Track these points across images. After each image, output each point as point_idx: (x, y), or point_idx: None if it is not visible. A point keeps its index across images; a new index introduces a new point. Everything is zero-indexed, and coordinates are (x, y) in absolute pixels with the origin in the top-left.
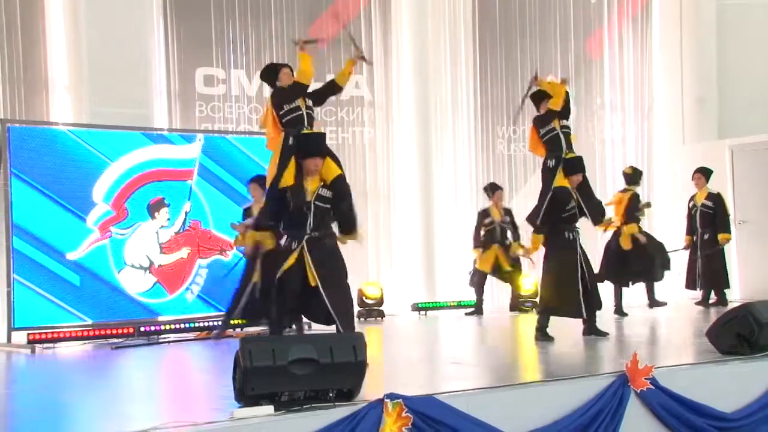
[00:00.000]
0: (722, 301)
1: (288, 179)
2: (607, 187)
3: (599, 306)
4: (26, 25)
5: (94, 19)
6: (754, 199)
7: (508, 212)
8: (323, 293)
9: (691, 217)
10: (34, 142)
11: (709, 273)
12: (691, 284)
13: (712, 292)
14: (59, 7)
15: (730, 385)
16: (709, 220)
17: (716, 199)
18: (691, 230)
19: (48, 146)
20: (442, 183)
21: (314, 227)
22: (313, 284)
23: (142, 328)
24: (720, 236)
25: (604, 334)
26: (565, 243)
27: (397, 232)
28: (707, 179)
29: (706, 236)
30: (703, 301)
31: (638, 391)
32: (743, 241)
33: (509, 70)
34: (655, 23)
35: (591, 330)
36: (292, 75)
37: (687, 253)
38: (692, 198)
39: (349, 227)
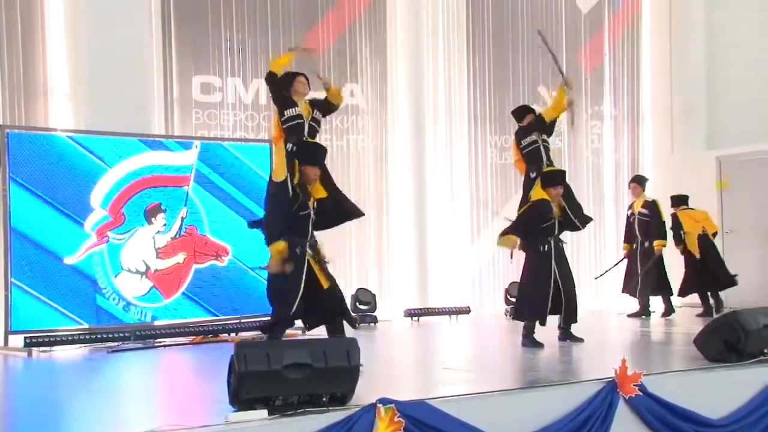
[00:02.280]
0: (670, 309)
1: (281, 173)
2: (598, 196)
3: (574, 317)
4: (26, 31)
5: (93, 26)
6: (741, 209)
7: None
8: (336, 294)
9: (629, 226)
10: (32, 148)
11: (652, 282)
12: (629, 290)
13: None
14: (59, 14)
15: (717, 391)
16: (645, 228)
17: (651, 206)
18: (629, 239)
19: (46, 152)
20: (435, 190)
21: (311, 233)
22: (326, 286)
23: (138, 332)
24: (655, 243)
25: (579, 340)
26: (540, 254)
27: (391, 239)
28: (643, 187)
29: (646, 244)
30: (643, 310)
31: (627, 398)
32: (731, 251)
33: (501, 81)
34: (645, 35)
35: (566, 335)
36: (308, 83)
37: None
38: (630, 206)
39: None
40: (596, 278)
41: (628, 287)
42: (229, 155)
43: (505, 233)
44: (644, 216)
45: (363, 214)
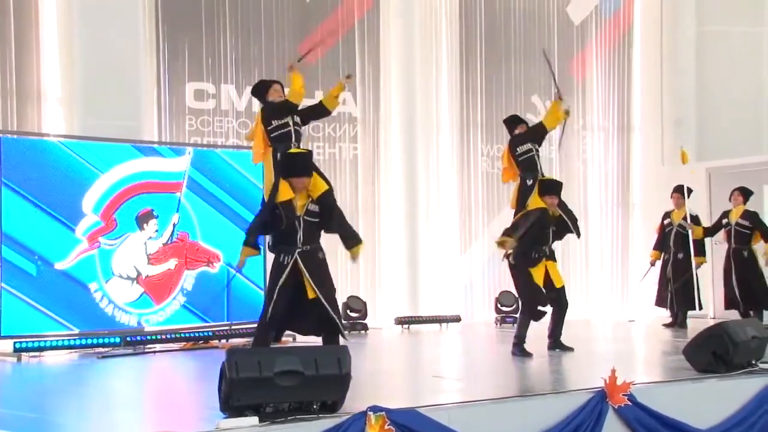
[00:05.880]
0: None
1: (286, 194)
2: (589, 206)
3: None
4: (19, 37)
5: (86, 32)
6: None
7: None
8: (326, 304)
9: (664, 236)
10: (25, 153)
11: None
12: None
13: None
14: (52, 19)
15: (706, 402)
16: (681, 241)
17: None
18: (662, 248)
19: (39, 157)
20: (426, 198)
21: (304, 241)
22: (311, 297)
23: (129, 338)
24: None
25: (569, 349)
26: (531, 261)
27: (382, 247)
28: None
29: (679, 256)
30: (681, 322)
31: (616, 407)
32: (719, 262)
33: (493, 90)
34: (636, 46)
35: (556, 344)
36: (282, 91)
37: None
38: (668, 215)
39: (352, 238)
40: (639, 282)
41: (663, 300)
42: (221, 162)
43: (506, 234)
44: (682, 228)
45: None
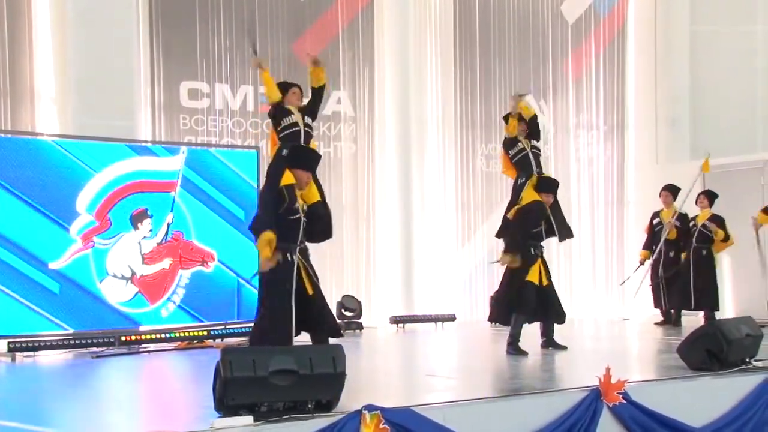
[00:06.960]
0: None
1: (289, 179)
2: (582, 205)
3: (562, 318)
4: (12, 36)
5: (80, 31)
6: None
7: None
8: (319, 303)
9: (655, 234)
10: (19, 153)
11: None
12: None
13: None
14: (46, 18)
15: (700, 400)
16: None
17: (683, 218)
18: (650, 246)
19: (33, 157)
20: (421, 198)
21: (302, 239)
22: (310, 293)
23: (123, 338)
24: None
25: (563, 348)
26: (528, 257)
27: (377, 246)
28: (674, 198)
29: (671, 254)
30: (676, 321)
31: (611, 406)
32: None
33: (489, 89)
34: (629, 46)
35: (549, 343)
36: (302, 95)
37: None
38: (657, 214)
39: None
40: (621, 284)
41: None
42: (215, 161)
43: (508, 250)
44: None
45: (331, 237)
